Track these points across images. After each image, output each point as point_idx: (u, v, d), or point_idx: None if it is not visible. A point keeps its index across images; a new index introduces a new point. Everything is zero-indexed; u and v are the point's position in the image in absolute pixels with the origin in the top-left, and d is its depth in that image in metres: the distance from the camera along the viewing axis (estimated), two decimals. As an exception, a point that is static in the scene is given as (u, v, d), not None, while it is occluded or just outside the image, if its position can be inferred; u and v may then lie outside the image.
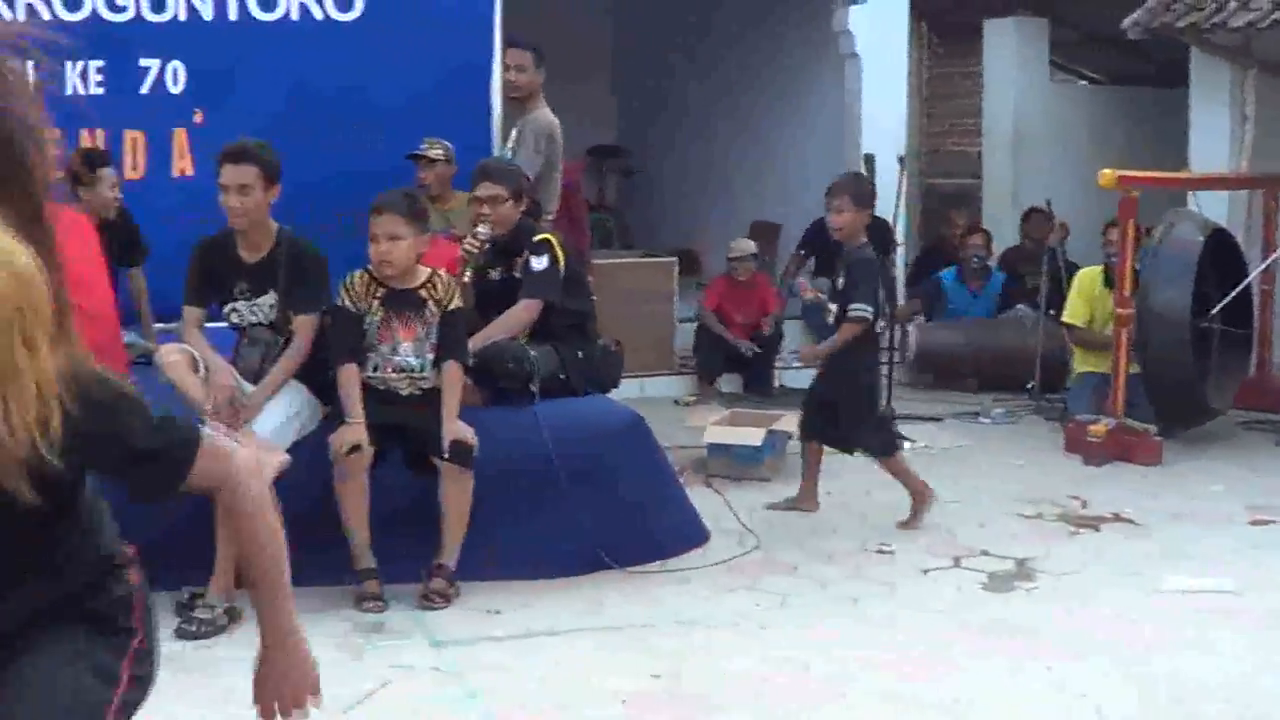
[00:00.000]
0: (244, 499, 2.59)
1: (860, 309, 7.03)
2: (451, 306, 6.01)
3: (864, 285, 7.11)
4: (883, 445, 7.30)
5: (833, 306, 7.30)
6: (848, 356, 7.13)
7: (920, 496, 7.14)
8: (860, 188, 7.44)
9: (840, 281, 7.32)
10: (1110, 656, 5.34)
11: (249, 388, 5.95)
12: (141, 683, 2.65)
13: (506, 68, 8.08)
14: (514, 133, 7.99)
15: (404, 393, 5.98)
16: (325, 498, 5.81)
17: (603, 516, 6.25)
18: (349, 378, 5.87)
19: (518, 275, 6.48)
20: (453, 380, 5.93)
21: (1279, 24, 9.94)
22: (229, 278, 5.95)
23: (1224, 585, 6.24)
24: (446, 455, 5.79)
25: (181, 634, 5.40)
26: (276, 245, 5.92)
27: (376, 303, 5.96)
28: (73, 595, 2.56)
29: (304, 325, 5.91)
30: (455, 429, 5.85)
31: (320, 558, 5.83)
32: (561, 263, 6.44)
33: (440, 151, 8.16)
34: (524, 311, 6.41)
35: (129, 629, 2.64)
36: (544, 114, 7.93)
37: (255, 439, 5.56)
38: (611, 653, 5.33)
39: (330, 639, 5.36)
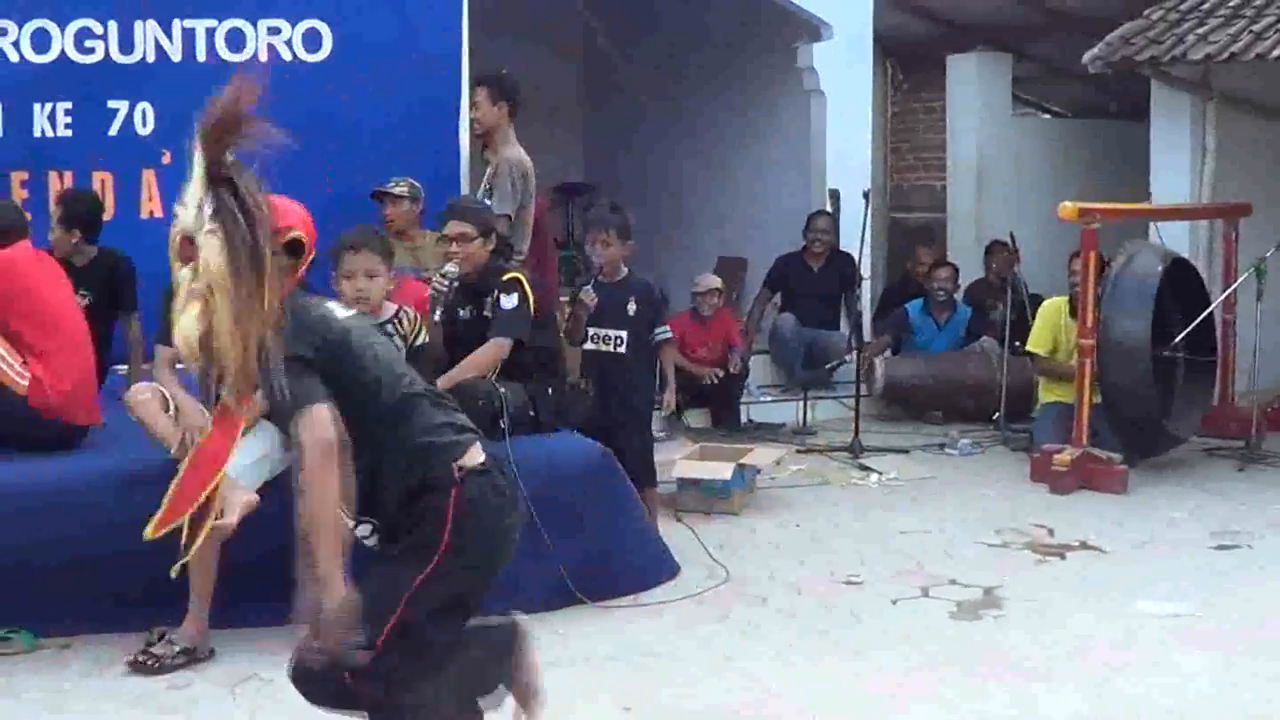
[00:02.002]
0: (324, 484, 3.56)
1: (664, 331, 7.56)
2: (418, 343, 6.06)
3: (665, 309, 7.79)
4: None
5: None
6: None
7: None
8: (625, 221, 7.50)
9: (632, 308, 7.38)
10: (1077, 681, 5.41)
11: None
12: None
13: (472, 105, 8.08)
14: (488, 171, 8.00)
15: None
16: (295, 540, 5.80)
17: (573, 551, 6.28)
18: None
19: (487, 314, 6.52)
20: None
21: (1237, 57, 10.08)
22: None
23: (1191, 610, 6.31)
24: None
25: (135, 666, 5.43)
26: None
27: None
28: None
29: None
30: None
31: (290, 600, 5.88)
32: (531, 301, 6.48)
33: (405, 189, 8.20)
34: (494, 350, 6.44)
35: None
36: (515, 152, 7.82)
37: (225, 478, 5.58)
38: (583, 686, 5.35)
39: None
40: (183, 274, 3.45)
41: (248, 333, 3.39)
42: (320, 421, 3.50)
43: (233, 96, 3.42)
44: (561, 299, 8.41)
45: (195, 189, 3.43)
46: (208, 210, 3.40)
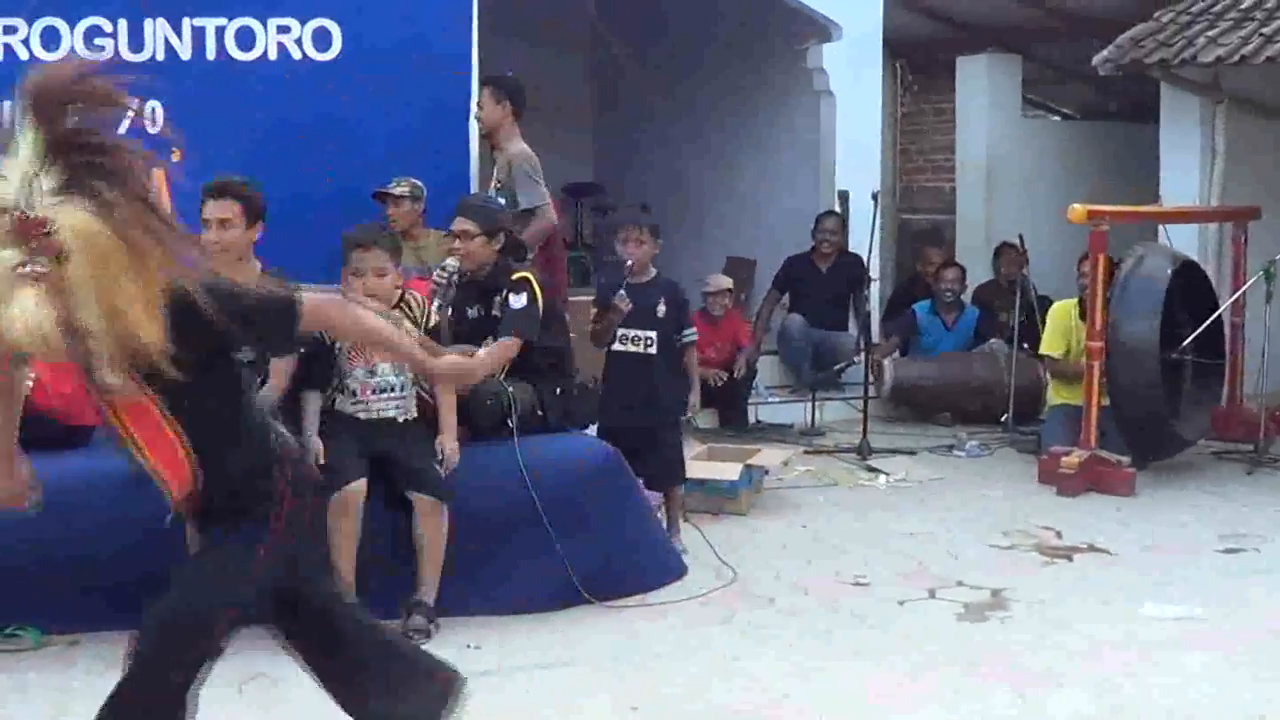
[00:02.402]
0: (355, 318, 3.84)
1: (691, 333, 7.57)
2: (433, 324, 6.11)
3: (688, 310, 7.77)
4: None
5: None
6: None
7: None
8: (655, 221, 7.53)
9: (662, 309, 7.35)
10: (1084, 683, 5.40)
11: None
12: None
13: (477, 105, 8.21)
14: (495, 171, 8.07)
15: (389, 414, 6.03)
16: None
17: (580, 551, 6.29)
18: (310, 404, 5.97)
19: (496, 313, 6.53)
20: (446, 398, 6.02)
21: (1247, 59, 10.07)
22: None
23: (1197, 613, 6.31)
24: (419, 488, 5.87)
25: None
26: None
27: None
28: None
29: (277, 369, 5.92)
30: (449, 444, 6.01)
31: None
32: (540, 301, 6.49)
33: (406, 189, 8.22)
34: (502, 349, 6.46)
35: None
36: (519, 146, 8.03)
37: None
38: (591, 686, 5.36)
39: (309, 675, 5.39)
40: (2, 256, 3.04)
41: (136, 299, 3.11)
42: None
43: (63, 65, 3.22)
44: (575, 299, 8.44)
45: (23, 163, 3.10)
46: (51, 183, 3.08)
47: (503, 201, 7.66)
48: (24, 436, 5.98)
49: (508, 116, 8.08)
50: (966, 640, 5.98)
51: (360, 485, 5.80)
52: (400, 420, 6.08)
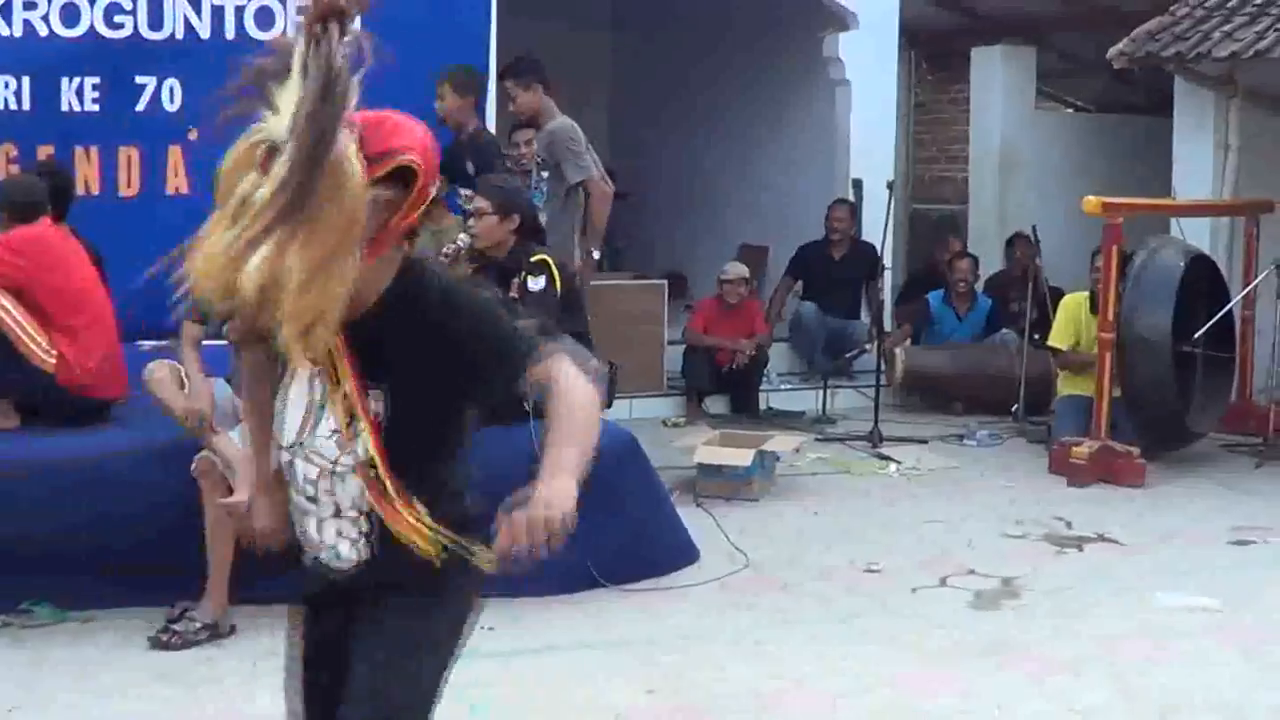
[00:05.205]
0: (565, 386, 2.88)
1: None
2: None
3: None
4: None
5: None
6: None
7: None
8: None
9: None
10: (1101, 671, 5.43)
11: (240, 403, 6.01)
12: None
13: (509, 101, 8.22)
14: (535, 149, 8.09)
15: None
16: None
17: (595, 534, 6.24)
18: None
19: (514, 295, 6.53)
20: None
21: (1262, 54, 10.06)
22: None
23: (1210, 603, 6.33)
24: None
25: (154, 642, 5.49)
26: None
27: None
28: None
29: None
30: None
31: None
32: (559, 284, 6.49)
33: (430, 169, 8.22)
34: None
35: None
36: (559, 120, 8.03)
37: (232, 444, 5.61)
38: (607, 668, 5.39)
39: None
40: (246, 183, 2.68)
41: (294, 269, 2.63)
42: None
43: None
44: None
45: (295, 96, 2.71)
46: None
47: (545, 175, 7.68)
48: (51, 412, 6.06)
49: (539, 97, 8.06)
50: (980, 628, 6.00)
51: None
52: None
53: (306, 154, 2.63)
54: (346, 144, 2.70)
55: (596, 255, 8.13)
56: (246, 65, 2.79)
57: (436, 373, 2.90)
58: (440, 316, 2.90)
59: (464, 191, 7.38)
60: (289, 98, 2.70)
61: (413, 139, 2.85)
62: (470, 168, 7.80)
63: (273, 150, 2.67)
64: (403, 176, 2.81)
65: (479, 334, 2.91)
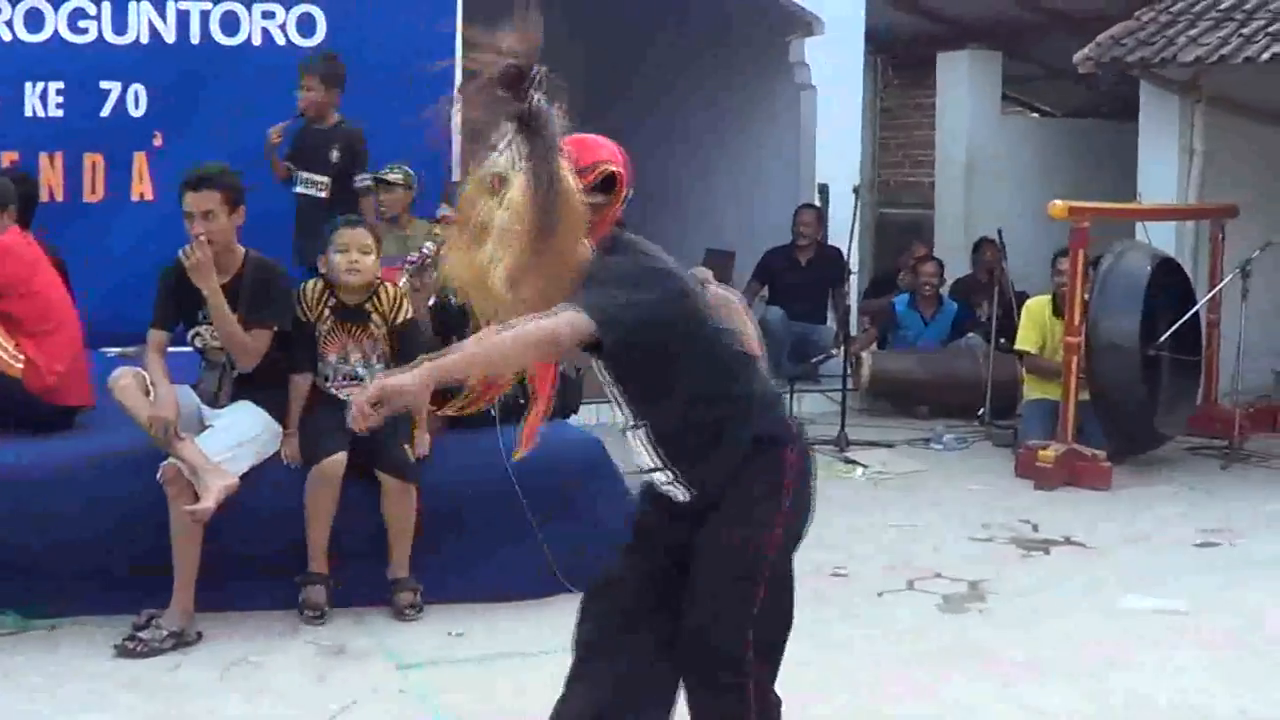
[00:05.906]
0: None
1: None
2: (400, 319, 6.11)
3: None
4: None
5: None
6: None
7: None
8: None
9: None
10: (1066, 675, 5.44)
11: (208, 411, 5.99)
12: None
13: None
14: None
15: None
16: (283, 523, 5.85)
17: (563, 540, 6.28)
18: (297, 388, 6.02)
19: (479, 303, 6.51)
20: None
21: (1226, 59, 10.12)
22: (195, 301, 5.90)
23: (1177, 605, 6.35)
24: (386, 468, 5.92)
25: (120, 650, 5.45)
26: (243, 268, 5.92)
27: (327, 311, 6.09)
28: None
29: (256, 336, 5.91)
30: (421, 434, 6.08)
31: (278, 583, 5.89)
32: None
33: (399, 176, 8.19)
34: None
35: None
36: None
37: (198, 451, 5.60)
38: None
39: (294, 662, 5.41)
40: (488, 209, 3.34)
41: (537, 274, 3.33)
42: (568, 320, 3.30)
43: (520, 38, 3.34)
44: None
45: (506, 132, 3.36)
46: (520, 150, 3.32)
47: None
48: (17, 418, 6.02)
49: None
50: (947, 632, 6.01)
51: (341, 458, 5.83)
52: None
53: (544, 196, 3.28)
54: (566, 170, 3.34)
55: None
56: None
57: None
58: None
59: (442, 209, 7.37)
60: (505, 139, 3.34)
61: (609, 151, 3.60)
62: (334, 155, 7.90)
63: (502, 180, 3.33)
64: (606, 181, 3.54)
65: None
